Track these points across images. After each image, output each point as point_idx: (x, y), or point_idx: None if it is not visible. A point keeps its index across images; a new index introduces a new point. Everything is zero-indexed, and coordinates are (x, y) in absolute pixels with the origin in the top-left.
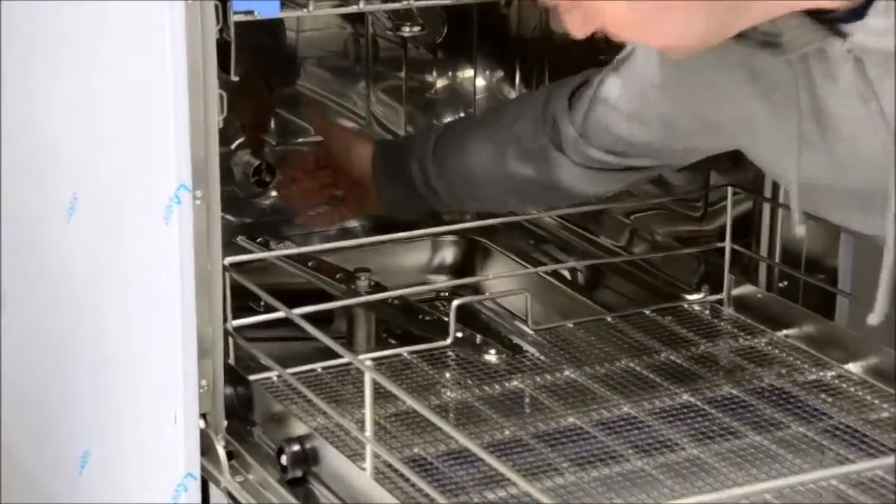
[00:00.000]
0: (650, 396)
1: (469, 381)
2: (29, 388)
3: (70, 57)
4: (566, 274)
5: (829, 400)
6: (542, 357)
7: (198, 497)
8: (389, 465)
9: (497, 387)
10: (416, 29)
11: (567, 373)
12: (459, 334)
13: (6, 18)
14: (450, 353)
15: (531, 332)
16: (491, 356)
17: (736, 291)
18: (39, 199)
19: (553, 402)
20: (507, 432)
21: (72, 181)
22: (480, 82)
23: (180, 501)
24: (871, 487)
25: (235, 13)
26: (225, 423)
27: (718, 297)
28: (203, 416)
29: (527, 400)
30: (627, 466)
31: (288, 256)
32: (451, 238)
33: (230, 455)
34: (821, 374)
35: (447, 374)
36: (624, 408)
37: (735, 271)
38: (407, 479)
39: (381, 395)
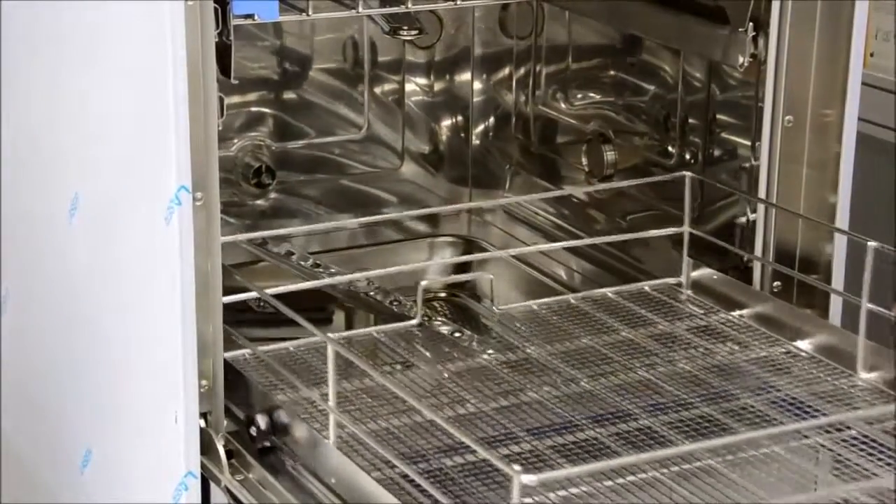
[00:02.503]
0: (607, 372)
1: (434, 357)
2: (30, 387)
3: (71, 60)
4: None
5: (778, 374)
6: (505, 336)
7: (198, 496)
8: (353, 436)
9: (461, 363)
10: (414, 32)
11: (529, 350)
12: (427, 316)
13: (6, 21)
14: (416, 332)
15: (497, 312)
16: (456, 335)
17: (694, 274)
18: (41, 199)
19: (515, 376)
20: (469, 406)
21: (73, 182)
22: (478, 86)
23: (181, 500)
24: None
25: (235, 16)
26: (225, 422)
27: (678, 279)
28: (203, 415)
29: (490, 375)
30: (581, 436)
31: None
32: (448, 240)
33: (230, 454)
34: (770, 350)
35: (414, 351)
36: (582, 382)
37: (733, 272)
38: (369, 448)
39: (350, 372)
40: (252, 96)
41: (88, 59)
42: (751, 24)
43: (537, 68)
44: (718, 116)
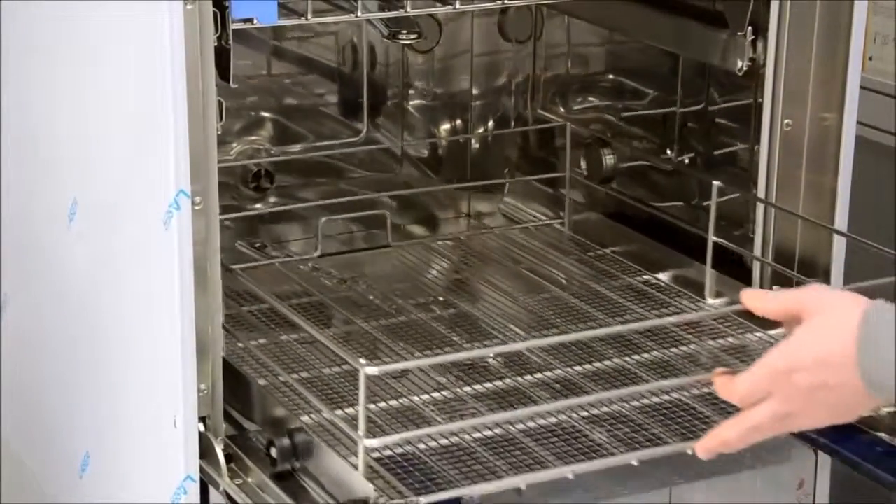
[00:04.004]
0: (492, 302)
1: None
2: (30, 391)
3: (69, 64)
4: None
5: (634, 298)
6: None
7: (197, 499)
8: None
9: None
10: (413, 36)
11: (415, 274)
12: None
13: (6, 24)
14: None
15: (393, 246)
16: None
17: (576, 217)
18: (40, 203)
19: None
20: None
21: (72, 186)
22: (476, 90)
23: (180, 503)
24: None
25: (234, 20)
26: (224, 426)
27: (560, 220)
28: (202, 419)
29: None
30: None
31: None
32: (446, 242)
33: (229, 458)
34: (632, 280)
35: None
36: (461, 306)
37: (731, 272)
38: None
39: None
40: (251, 100)
41: (87, 63)
42: (750, 27)
43: (536, 72)
44: (717, 120)
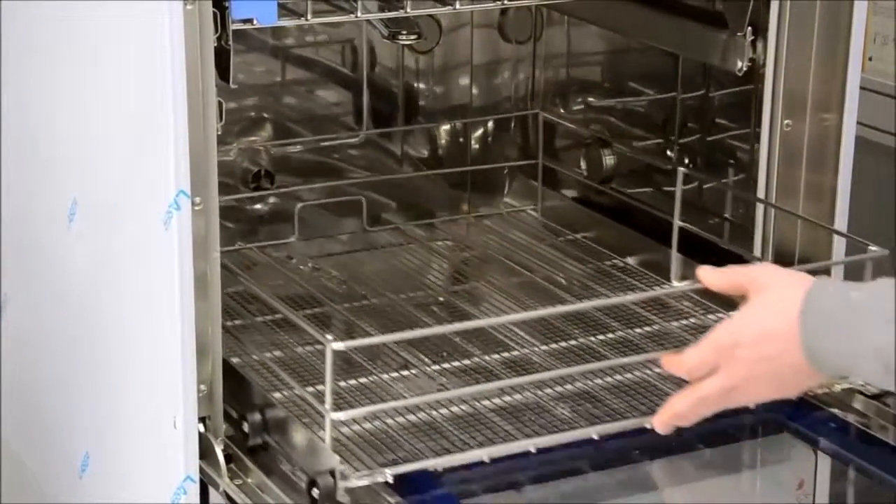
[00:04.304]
0: (457, 278)
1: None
2: (30, 391)
3: (69, 64)
4: None
5: (602, 280)
6: (377, 249)
7: (197, 500)
8: None
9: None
10: (413, 37)
11: (392, 259)
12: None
13: (6, 25)
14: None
15: (370, 231)
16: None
17: (548, 203)
18: (40, 204)
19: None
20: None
21: (72, 187)
22: (476, 90)
23: (179, 503)
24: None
25: (234, 21)
26: (224, 426)
27: (532, 205)
28: (202, 419)
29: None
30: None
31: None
32: (445, 243)
33: (229, 458)
34: (601, 263)
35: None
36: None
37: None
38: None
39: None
40: (251, 101)
41: (87, 63)
42: (749, 28)
43: (536, 73)
44: (717, 120)
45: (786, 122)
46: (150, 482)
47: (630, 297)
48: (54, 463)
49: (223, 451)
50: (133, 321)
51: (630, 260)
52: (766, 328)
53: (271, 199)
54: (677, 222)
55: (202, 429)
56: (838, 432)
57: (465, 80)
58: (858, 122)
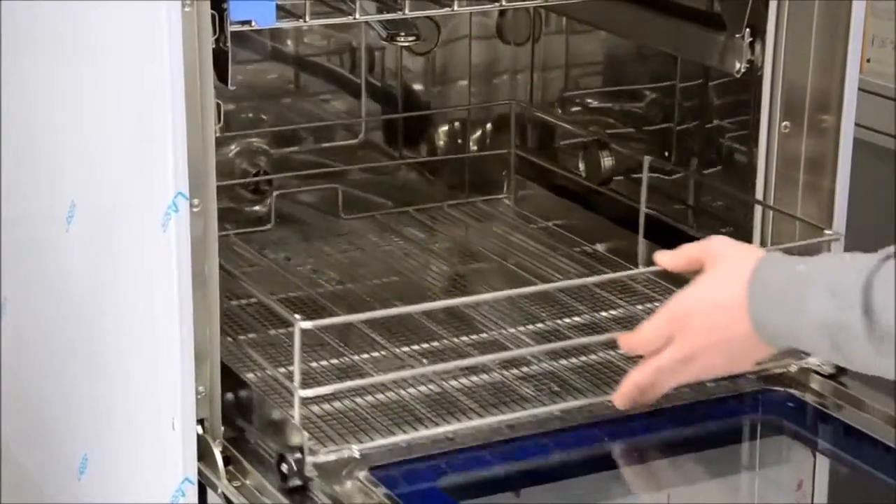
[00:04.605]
0: (430, 265)
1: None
2: (29, 393)
3: (68, 66)
4: None
5: (570, 266)
6: (352, 238)
7: (195, 501)
8: None
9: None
10: (411, 39)
11: (367, 247)
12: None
13: (6, 26)
14: (271, 236)
15: (344, 219)
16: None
17: (521, 192)
18: (39, 206)
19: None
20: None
21: (70, 189)
22: (475, 92)
23: None
24: None
25: (232, 22)
26: (222, 428)
27: (505, 195)
28: (200, 421)
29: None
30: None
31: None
32: (443, 245)
33: (227, 460)
34: (569, 250)
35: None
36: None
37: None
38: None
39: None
40: (249, 102)
41: (85, 65)
42: (748, 29)
43: (534, 74)
44: (715, 122)
45: (784, 123)
46: (148, 484)
47: (591, 279)
48: (53, 464)
49: (221, 452)
50: (131, 323)
51: (599, 247)
52: (717, 299)
53: (270, 201)
54: (643, 209)
55: (200, 430)
56: (837, 434)
57: (463, 82)
58: (857, 124)
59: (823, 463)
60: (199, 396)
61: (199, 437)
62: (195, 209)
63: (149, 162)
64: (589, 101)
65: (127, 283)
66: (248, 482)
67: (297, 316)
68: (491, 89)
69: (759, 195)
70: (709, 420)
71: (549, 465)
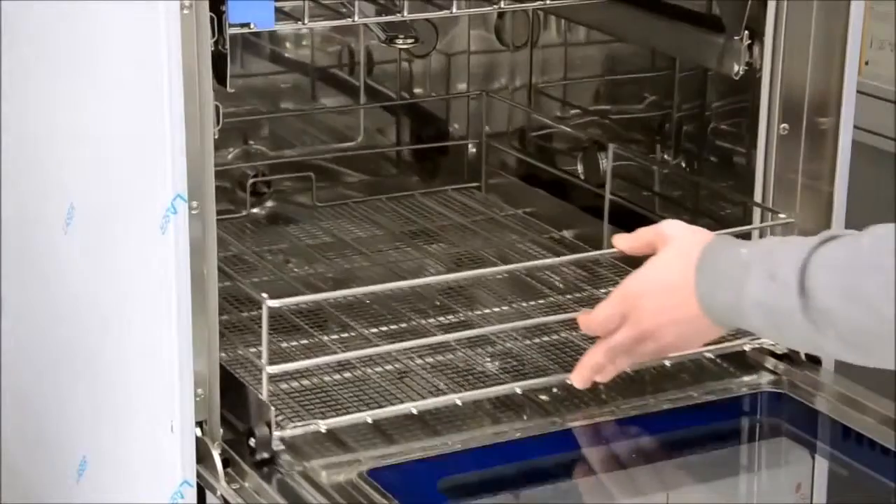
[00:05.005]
0: (410, 255)
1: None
2: (27, 396)
3: (67, 69)
4: None
5: (538, 252)
6: (325, 225)
7: None
8: None
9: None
10: (410, 41)
11: (340, 235)
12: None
13: (5, 27)
14: (248, 224)
15: (318, 205)
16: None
17: (492, 181)
18: (38, 208)
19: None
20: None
21: (69, 191)
22: (474, 94)
23: None
24: None
25: (231, 25)
26: (221, 431)
27: (477, 184)
28: (199, 424)
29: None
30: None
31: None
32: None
33: (226, 462)
34: (538, 238)
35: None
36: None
37: None
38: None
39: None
40: (248, 105)
41: (84, 67)
42: (746, 31)
43: (533, 77)
44: (714, 124)
45: (782, 125)
46: (147, 486)
47: (550, 261)
48: (51, 467)
49: (220, 455)
50: (130, 325)
51: (566, 233)
52: (667, 280)
53: (268, 203)
54: (608, 196)
55: (199, 433)
56: (836, 436)
57: (461, 84)
58: (855, 126)
59: (822, 465)
60: (197, 399)
61: (197, 439)
62: (194, 211)
63: (148, 164)
64: (588, 102)
65: (126, 285)
66: (246, 484)
67: (264, 295)
68: (489, 92)
69: (757, 197)
70: (708, 422)
71: (547, 466)
